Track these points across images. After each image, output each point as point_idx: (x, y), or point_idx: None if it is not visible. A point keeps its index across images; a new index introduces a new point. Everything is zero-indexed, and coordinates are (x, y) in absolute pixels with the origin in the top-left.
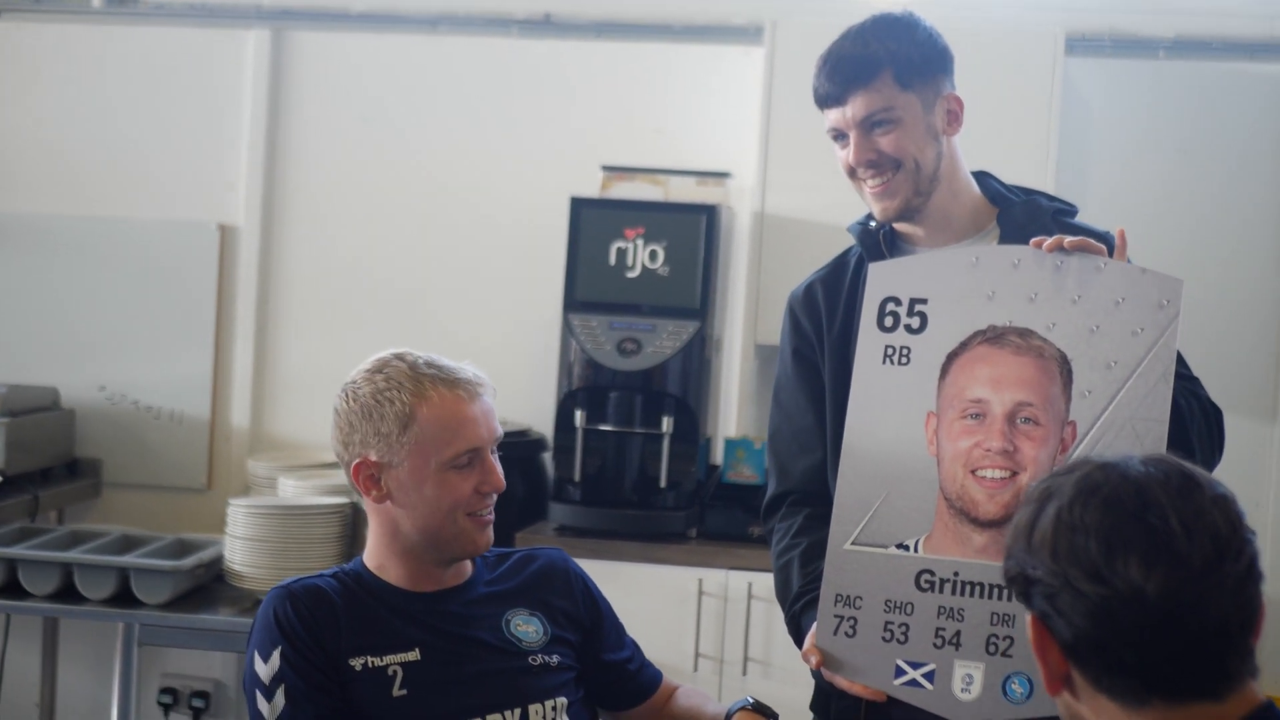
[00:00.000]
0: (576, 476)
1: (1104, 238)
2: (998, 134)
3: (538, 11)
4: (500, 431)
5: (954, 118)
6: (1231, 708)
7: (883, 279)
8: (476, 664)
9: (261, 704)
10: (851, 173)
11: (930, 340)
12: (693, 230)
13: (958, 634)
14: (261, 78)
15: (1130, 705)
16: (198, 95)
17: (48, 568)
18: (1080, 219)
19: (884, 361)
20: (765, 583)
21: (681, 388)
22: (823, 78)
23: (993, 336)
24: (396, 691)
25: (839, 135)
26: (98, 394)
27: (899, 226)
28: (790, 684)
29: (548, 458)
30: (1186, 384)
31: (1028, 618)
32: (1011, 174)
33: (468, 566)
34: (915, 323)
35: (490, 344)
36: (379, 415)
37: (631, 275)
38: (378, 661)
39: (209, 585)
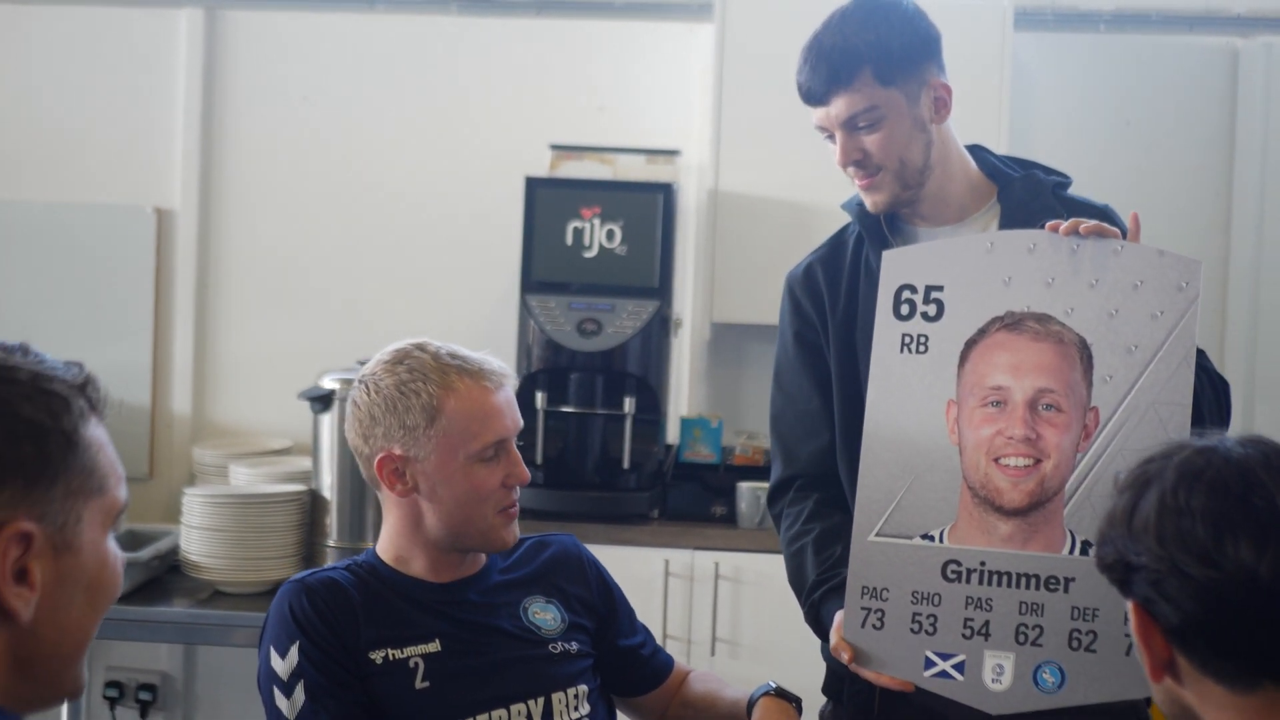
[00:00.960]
0: (538, 459)
1: (1103, 211)
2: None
3: None
4: (522, 422)
5: (942, 105)
6: None
7: (897, 266)
8: (498, 653)
9: (280, 700)
10: (841, 166)
11: (947, 328)
12: (649, 209)
13: (986, 624)
14: (195, 58)
15: (1240, 689)
16: (130, 76)
17: None
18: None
19: (901, 350)
20: (732, 562)
21: (643, 367)
22: (805, 74)
23: (1011, 323)
24: (419, 683)
25: (826, 132)
26: None
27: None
28: (759, 663)
29: None
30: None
31: (1128, 605)
32: None
33: (482, 555)
34: (932, 310)
35: (442, 326)
36: (404, 407)
37: (589, 255)
38: (398, 654)
39: (162, 576)
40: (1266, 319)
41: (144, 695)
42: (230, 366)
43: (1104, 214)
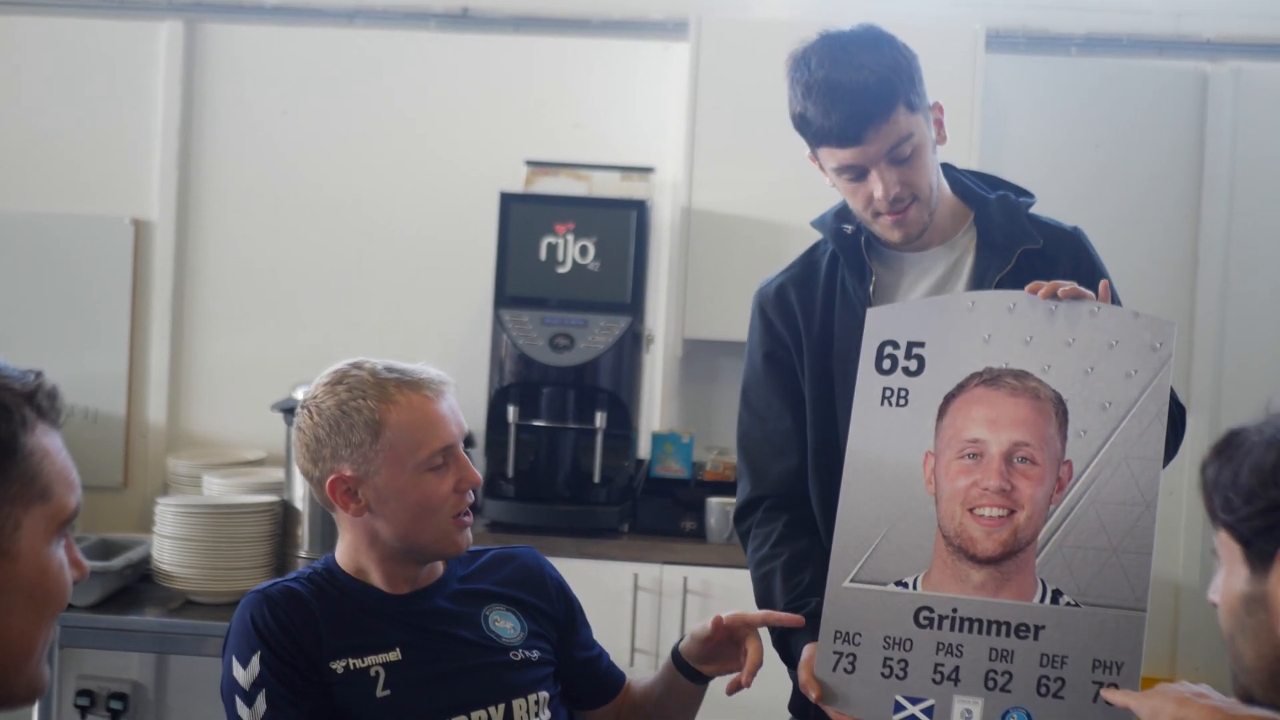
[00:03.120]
0: (510, 472)
1: (1073, 234)
2: None
3: (455, 5)
4: (467, 428)
5: (940, 126)
6: None
7: (880, 323)
8: (458, 661)
9: (242, 709)
10: (867, 204)
11: (928, 382)
12: (623, 225)
13: (956, 669)
14: (175, 70)
15: None
16: (110, 88)
17: None
18: None
19: (882, 403)
20: (700, 576)
21: (614, 382)
22: (832, 116)
23: (989, 378)
24: (380, 692)
25: (853, 172)
26: None
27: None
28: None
29: (476, 454)
30: None
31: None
32: None
33: (440, 565)
34: (913, 365)
35: (416, 340)
36: (348, 426)
37: (562, 270)
38: (359, 663)
39: (134, 585)
40: (1232, 340)
41: (115, 704)
42: (206, 377)
43: (1073, 236)
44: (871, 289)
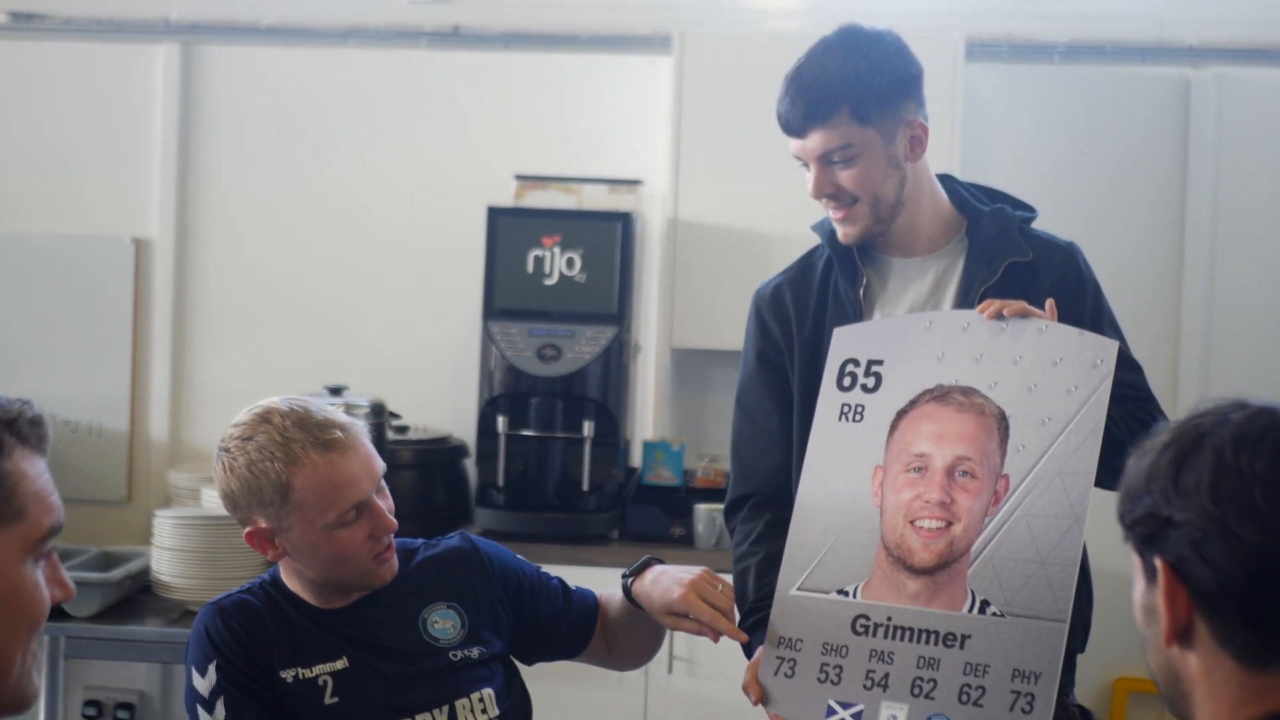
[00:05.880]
0: (500, 481)
1: (1067, 249)
2: None
3: (446, 23)
4: (382, 467)
5: (917, 144)
6: None
7: (845, 341)
8: (401, 667)
9: (204, 717)
10: (813, 194)
11: (883, 399)
12: (609, 237)
13: (886, 676)
14: (172, 92)
15: (1251, 665)
16: (109, 110)
17: None
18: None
19: (839, 419)
20: None
21: (601, 392)
22: (785, 105)
23: (939, 395)
24: (328, 700)
25: (800, 161)
26: None
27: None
28: (716, 680)
29: (469, 464)
30: (1145, 404)
31: (1156, 563)
32: None
33: None
34: (871, 382)
35: (409, 353)
36: (257, 487)
37: (549, 282)
38: (308, 673)
39: (135, 596)
40: (1219, 345)
41: (122, 714)
42: (206, 392)
43: (1066, 251)
44: (861, 292)
